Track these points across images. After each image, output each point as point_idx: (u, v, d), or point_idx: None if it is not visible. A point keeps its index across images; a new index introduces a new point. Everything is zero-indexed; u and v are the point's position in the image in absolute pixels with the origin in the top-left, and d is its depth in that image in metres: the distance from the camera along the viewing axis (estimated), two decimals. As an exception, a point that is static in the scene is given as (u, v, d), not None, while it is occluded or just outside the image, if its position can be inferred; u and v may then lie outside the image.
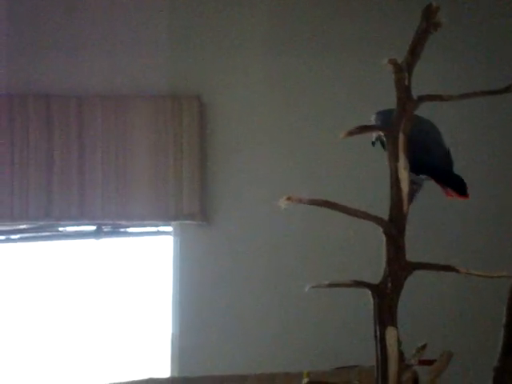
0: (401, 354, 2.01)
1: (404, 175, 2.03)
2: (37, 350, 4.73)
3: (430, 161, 2.81)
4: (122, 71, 4.66)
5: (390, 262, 2.02)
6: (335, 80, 4.61)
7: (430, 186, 2.90)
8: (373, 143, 2.85)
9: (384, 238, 2.04)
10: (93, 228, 4.73)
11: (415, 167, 2.72)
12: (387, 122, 2.73)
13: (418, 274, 2.04)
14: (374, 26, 4.64)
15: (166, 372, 4.53)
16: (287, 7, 4.68)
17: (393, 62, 2.02)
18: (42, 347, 4.74)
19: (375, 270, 2.09)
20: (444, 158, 2.86)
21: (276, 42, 4.66)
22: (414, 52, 2.04)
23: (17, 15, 4.67)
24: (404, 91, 2.05)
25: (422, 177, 2.83)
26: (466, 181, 2.83)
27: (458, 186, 2.82)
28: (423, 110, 2.20)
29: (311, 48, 4.65)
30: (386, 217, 2.05)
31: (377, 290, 2.01)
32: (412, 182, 2.29)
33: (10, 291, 4.78)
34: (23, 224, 4.68)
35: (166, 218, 4.57)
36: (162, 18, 4.68)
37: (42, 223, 4.66)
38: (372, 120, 2.89)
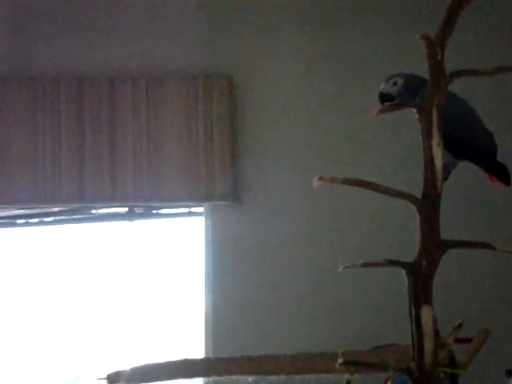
0: (437, 332, 1.99)
1: (438, 152, 2.01)
2: (75, 329, 4.77)
3: (475, 144, 2.76)
4: (153, 51, 4.65)
5: (424, 240, 2.00)
6: (370, 59, 4.56)
7: (465, 163, 2.87)
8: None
9: (418, 217, 2.02)
10: (125, 210, 4.75)
11: (457, 149, 2.67)
12: (410, 89, 2.69)
13: (453, 251, 2.02)
14: (408, 3, 4.59)
15: (200, 353, 4.54)
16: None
17: (425, 37, 2.00)
18: (78, 327, 4.77)
19: (408, 248, 2.08)
20: (489, 142, 2.81)
21: (310, 24, 4.62)
22: (447, 27, 2.01)
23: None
24: (437, 66, 2.02)
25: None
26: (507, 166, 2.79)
27: (503, 174, 2.78)
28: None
29: (346, 28, 4.61)
30: (419, 195, 2.03)
31: (411, 268, 1.99)
32: (446, 163, 2.26)
33: (45, 274, 4.81)
34: (56, 207, 4.70)
35: (197, 199, 4.57)
36: (194, -2, 4.66)
37: (74, 206, 4.69)
38: (387, 84, 2.82)
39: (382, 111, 2.05)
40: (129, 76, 4.58)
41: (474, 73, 2.08)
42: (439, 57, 2.01)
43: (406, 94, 2.75)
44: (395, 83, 2.80)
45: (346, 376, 2.79)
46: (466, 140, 2.73)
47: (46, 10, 4.67)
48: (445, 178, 2.06)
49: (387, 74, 2.86)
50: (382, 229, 4.48)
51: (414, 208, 2.02)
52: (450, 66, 2.05)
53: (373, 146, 4.55)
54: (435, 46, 2.00)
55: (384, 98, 2.81)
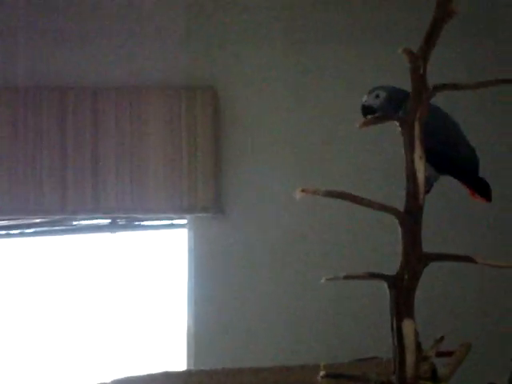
0: (418, 345, 1.99)
1: (420, 165, 2.01)
2: (49, 345, 4.74)
3: (457, 158, 2.75)
4: (137, 62, 4.65)
5: (406, 253, 2.00)
6: (352, 73, 4.58)
7: (447, 178, 2.88)
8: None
9: (400, 230, 2.02)
10: (108, 221, 4.73)
11: (439, 162, 2.67)
12: (393, 102, 2.69)
13: (435, 264, 2.03)
14: (392, 17, 4.61)
15: (182, 365, 4.53)
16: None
17: (407, 52, 2.00)
18: (54, 342, 4.74)
19: (391, 261, 2.08)
20: (471, 157, 2.80)
21: (294, 36, 4.63)
22: (430, 40, 2.01)
23: (31, 7, 4.67)
24: (419, 80, 2.02)
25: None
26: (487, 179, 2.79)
27: (483, 191, 2.78)
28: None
29: (329, 40, 4.62)
30: (401, 208, 2.03)
31: (393, 281, 1.99)
32: (428, 176, 2.26)
33: (25, 285, 4.78)
34: (38, 218, 4.68)
35: (180, 211, 4.57)
36: (178, 9, 4.67)
37: (56, 217, 4.67)
38: (369, 97, 2.81)
39: (365, 124, 2.05)
40: (112, 87, 4.58)
41: (456, 87, 2.08)
42: (421, 70, 2.01)
43: (388, 106, 2.74)
44: (378, 96, 2.79)
45: (328, 389, 2.78)
46: (448, 153, 2.73)
47: (29, 21, 4.66)
48: (427, 191, 2.06)
49: (371, 86, 2.86)
50: (364, 241, 4.48)
51: (397, 221, 2.02)
52: (433, 79, 2.06)
53: (356, 159, 4.56)
54: (417, 60, 2.01)
55: (366, 110, 2.80)
